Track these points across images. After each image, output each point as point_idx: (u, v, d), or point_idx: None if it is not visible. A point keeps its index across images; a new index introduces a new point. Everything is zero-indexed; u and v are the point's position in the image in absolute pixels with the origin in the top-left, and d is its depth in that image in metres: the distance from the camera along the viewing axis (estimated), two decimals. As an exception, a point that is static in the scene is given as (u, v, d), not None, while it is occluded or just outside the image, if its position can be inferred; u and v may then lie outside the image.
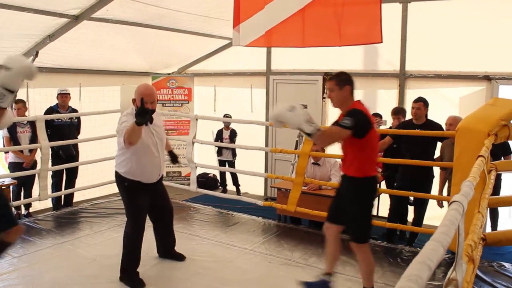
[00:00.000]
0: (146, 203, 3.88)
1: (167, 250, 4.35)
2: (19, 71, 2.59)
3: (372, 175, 3.33)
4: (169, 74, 9.10)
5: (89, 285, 3.76)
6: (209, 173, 8.91)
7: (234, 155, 8.22)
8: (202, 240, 4.86)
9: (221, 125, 8.15)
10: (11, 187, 5.80)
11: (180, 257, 4.32)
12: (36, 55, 6.24)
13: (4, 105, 2.63)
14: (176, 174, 8.78)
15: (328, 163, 5.66)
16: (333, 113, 7.49)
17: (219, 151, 8.24)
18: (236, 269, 4.11)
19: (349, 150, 3.34)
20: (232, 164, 8.21)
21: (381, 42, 4.82)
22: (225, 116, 7.76)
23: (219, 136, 8.17)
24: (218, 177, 8.76)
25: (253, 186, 8.27)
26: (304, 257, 4.37)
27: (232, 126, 8.16)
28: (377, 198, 5.66)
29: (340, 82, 3.33)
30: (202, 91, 9.23)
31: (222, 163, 8.22)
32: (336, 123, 3.27)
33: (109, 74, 8.08)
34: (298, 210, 5.08)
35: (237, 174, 8.15)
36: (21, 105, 6.14)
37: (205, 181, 8.49)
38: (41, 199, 5.83)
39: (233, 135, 8.15)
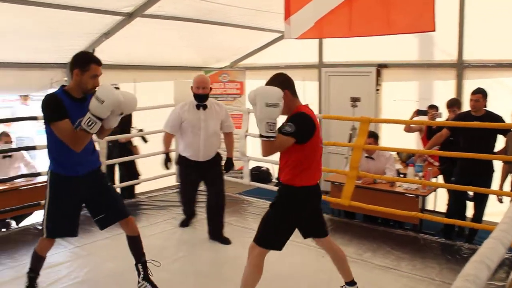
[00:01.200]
0: (191, 177, 4.61)
1: (215, 232, 4.65)
2: (110, 104, 2.85)
3: (308, 185, 3.03)
4: (221, 68, 9.19)
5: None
6: (262, 167, 8.95)
7: None
8: (254, 234, 4.87)
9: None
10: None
11: (226, 241, 4.59)
12: (93, 52, 6.47)
13: (93, 131, 2.87)
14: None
15: (382, 157, 5.55)
16: (388, 106, 7.34)
17: None
18: (289, 263, 4.08)
19: (285, 156, 3.08)
20: None
21: (434, 30, 4.60)
22: None
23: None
24: (272, 171, 8.79)
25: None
26: (358, 252, 4.32)
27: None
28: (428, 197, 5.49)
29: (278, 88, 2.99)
30: (254, 85, 9.20)
31: None
32: (278, 130, 2.97)
33: (162, 69, 8.24)
34: (352, 204, 5.01)
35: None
36: None
37: (258, 174, 8.54)
38: None
39: None
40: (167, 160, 4.67)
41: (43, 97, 3.00)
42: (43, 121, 3.01)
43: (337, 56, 7.94)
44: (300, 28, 5.52)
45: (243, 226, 5.09)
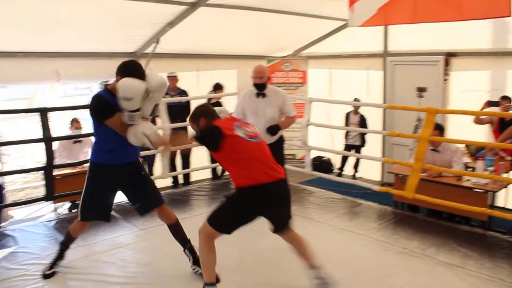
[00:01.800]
0: None
1: None
2: (138, 96, 3.11)
3: (247, 185, 3.03)
4: (283, 57, 9.16)
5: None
6: (324, 157, 8.88)
7: (362, 141, 8.08)
8: (315, 223, 4.86)
9: (340, 109, 8.03)
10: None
11: None
12: (158, 42, 6.64)
13: (136, 121, 3.20)
14: (291, 157, 8.86)
15: (448, 150, 5.35)
16: (456, 96, 7.06)
17: (346, 135, 8.20)
18: (349, 255, 4.05)
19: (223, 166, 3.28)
20: (358, 150, 8.10)
21: (510, 15, 4.36)
22: (355, 100, 7.61)
23: (346, 120, 8.10)
24: (333, 161, 8.72)
25: (368, 171, 8.10)
26: (421, 247, 4.19)
27: (345, 108, 8.01)
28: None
29: (194, 121, 3.22)
30: (317, 74, 9.17)
31: (348, 147, 8.15)
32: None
33: (225, 58, 8.33)
34: (416, 197, 4.86)
35: (359, 159, 8.07)
36: None
37: (319, 164, 8.49)
38: (163, 177, 6.25)
39: (363, 121, 7.99)
40: None
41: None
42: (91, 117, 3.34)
43: (402, 44, 7.71)
44: (364, 15, 5.40)
45: (303, 216, 5.08)
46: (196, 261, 3.57)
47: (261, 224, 3.33)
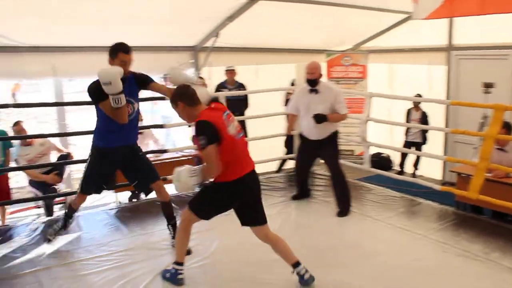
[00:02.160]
0: (305, 152, 5.10)
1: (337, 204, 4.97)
2: (117, 79, 3.37)
3: (235, 178, 3.17)
4: (343, 51, 9.01)
5: (257, 252, 3.91)
6: (383, 153, 8.70)
7: (424, 138, 7.84)
8: (373, 221, 4.76)
9: (401, 105, 7.81)
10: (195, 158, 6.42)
11: (340, 213, 4.90)
12: (217, 36, 6.70)
13: (123, 103, 3.45)
14: (349, 153, 8.73)
15: (517, 149, 5.10)
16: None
17: (407, 132, 7.99)
18: (407, 255, 3.92)
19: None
20: (419, 148, 7.86)
21: None
22: (416, 95, 7.39)
23: (407, 116, 7.89)
24: (393, 158, 8.52)
25: (429, 169, 7.85)
26: (485, 250, 4.00)
27: (406, 104, 7.78)
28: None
29: (173, 101, 3.21)
30: (377, 68, 8.96)
31: (408, 144, 7.93)
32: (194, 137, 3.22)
33: (284, 52, 8.30)
34: (480, 198, 4.65)
35: (419, 157, 7.83)
36: (202, 81, 6.73)
37: (378, 160, 8.32)
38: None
39: (424, 118, 7.75)
40: (287, 141, 4.92)
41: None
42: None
43: (469, 37, 7.39)
44: (428, 7, 5.22)
45: (361, 213, 4.99)
46: (174, 236, 3.86)
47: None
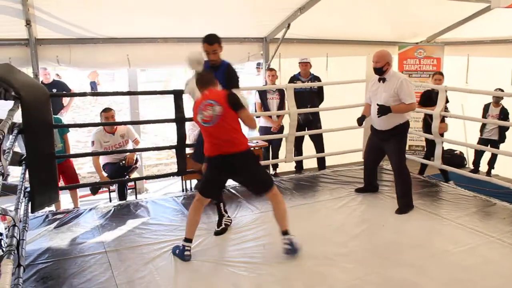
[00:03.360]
0: (373, 143, 5.09)
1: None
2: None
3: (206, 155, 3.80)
4: (416, 43, 8.69)
5: (324, 246, 3.95)
6: (456, 150, 8.35)
7: (502, 136, 7.37)
8: (442, 221, 4.58)
9: (478, 99, 7.42)
10: (262, 148, 6.47)
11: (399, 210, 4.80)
12: (288, 27, 6.67)
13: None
14: (419, 148, 8.44)
15: None
16: None
17: (482, 129, 7.57)
18: (478, 258, 3.74)
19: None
20: (496, 145, 7.42)
21: None
22: (496, 90, 6.98)
23: (485, 112, 7.48)
24: (466, 155, 8.15)
25: (507, 168, 7.42)
26: None
27: (484, 99, 7.35)
28: None
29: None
30: (453, 61, 8.56)
31: (483, 141, 7.53)
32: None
33: (355, 44, 8.12)
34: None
35: (496, 155, 7.40)
36: (273, 72, 6.74)
37: (450, 157, 7.99)
38: (286, 161, 6.36)
39: (505, 114, 7.29)
40: (360, 119, 5.03)
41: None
42: None
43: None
44: (511, -6, 4.89)
45: (429, 211, 4.82)
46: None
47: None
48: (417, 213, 4.77)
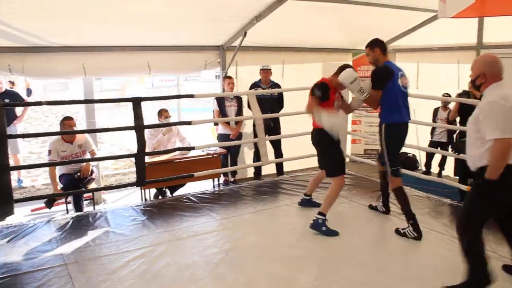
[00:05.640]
0: None
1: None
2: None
3: None
4: (369, 50, 8.94)
5: (286, 249, 4.02)
6: (409, 153, 8.62)
7: (450, 138, 7.67)
8: (399, 221, 4.73)
9: (428, 104, 7.69)
10: (221, 156, 6.54)
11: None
12: (245, 35, 6.74)
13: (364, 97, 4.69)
14: (374, 152, 8.68)
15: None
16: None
17: (432, 132, 7.85)
18: (433, 255, 3.92)
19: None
20: (445, 148, 7.72)
21: None
22: (444, 95, 7.27)
23: (434, 115, 7.76)
24: (418, 158, 8.43)
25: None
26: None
27: (433, 104, 7.64)
28: None
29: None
30: (404, 68, 8.82)
31: (433, 144, 7.80)
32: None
33: (310, 51, 8.30)
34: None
35: (446, 157, 7.69)
36: (231, 80, 6.81)
37: (403, 160, 8.23)
38: (263, 164, 6.47)
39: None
40: None
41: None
42: None
43: (500, 35, 7.24)
44: (457, 5, 5.14)
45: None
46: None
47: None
48: (374, 214, 4.95)
